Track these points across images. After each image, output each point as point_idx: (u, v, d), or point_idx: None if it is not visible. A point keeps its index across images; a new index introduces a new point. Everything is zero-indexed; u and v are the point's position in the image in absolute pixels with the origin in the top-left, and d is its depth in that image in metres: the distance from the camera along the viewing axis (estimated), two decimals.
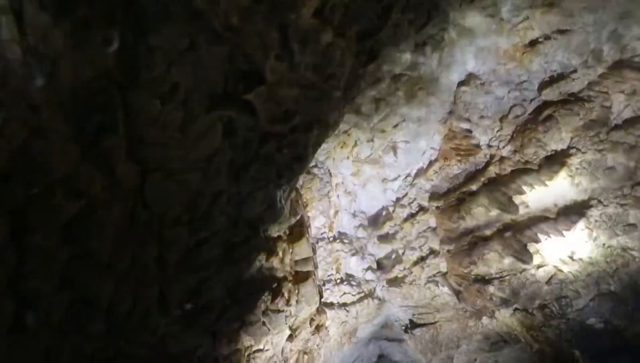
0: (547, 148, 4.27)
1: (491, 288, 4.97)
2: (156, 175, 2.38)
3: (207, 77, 2.03)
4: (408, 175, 5.93)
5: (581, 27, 3.40)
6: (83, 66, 1.48)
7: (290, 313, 4.93)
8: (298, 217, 5.38)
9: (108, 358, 2.43)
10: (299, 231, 5.41)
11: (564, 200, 4.46)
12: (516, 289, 4.77)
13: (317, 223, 6.33)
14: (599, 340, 4.70)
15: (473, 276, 5.20)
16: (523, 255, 4.55)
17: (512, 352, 5.67)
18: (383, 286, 6.51)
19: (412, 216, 6.07)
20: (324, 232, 6.59)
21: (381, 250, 6.58)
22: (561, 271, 4.83)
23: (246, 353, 4.52)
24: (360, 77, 3.22)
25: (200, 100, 2.10)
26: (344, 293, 6.36)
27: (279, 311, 4.73)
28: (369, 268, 6.58)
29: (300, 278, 5.07)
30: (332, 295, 6.27)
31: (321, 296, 6.07)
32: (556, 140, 4.17)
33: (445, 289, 5.79)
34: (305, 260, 5.19)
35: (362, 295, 6.49)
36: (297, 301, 5.00)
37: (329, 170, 5.71)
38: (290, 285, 4.92)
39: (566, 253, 4.76)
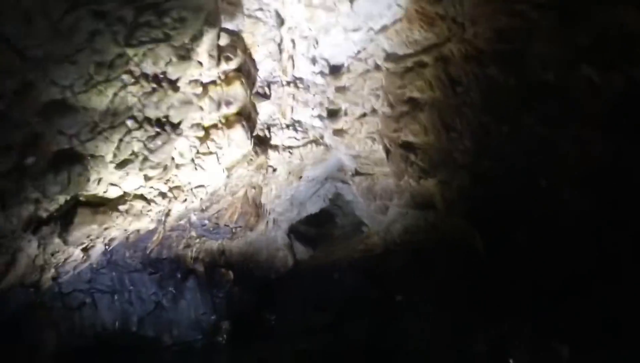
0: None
1: (413, 156, 5.95)
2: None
3: None
4: (370, 29, 5.92)
5: None
6: None
7: (223, 155, 6.06)
8: (233, 62, 5.72)
9: None
10: (234, 75, 5.87)
11: None
12: (436, 163, 5.70)
13: (265, 67, 6.65)
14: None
15: (401, 141, 6.09)
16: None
17: (436, 215, 7.22)
18: (330, 134, 7.51)
19: (367, 72, 6.41)
20: (277, 76, 6.98)
21: (334, 99, 7.20)
22: None
23: (186, 189, 5.85)
24: None
25: (59, 6, 2.46)
26: (289, 137, 7.42)
27: (209, 153, 5.84)
28: (319, 116, 7.40)
29: (230, 123, 5.93)
30: (277, 138, 7.34)
31: (266, 141, 7.19)
32: None
33: (381, 147, 6.82)
34: (237, 104, 5.89)
35: (308, 140, 7.63)
36: (228, 145, 6.05)
37: (277, 13, 5.62)
38: (219, 131, 5.84)
39: None
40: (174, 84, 4.73)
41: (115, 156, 4.35)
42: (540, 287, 5.00)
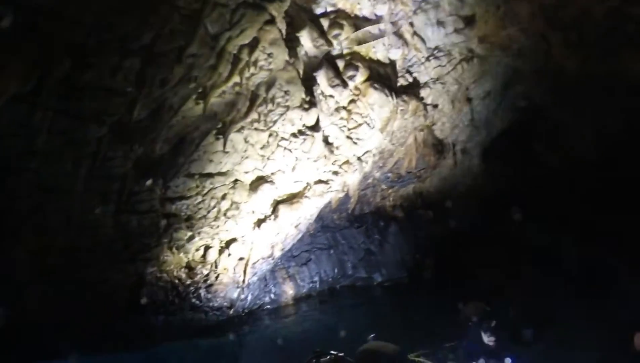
0: None
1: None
2: None
3: None
4: None
5: None
6: None
7: (370, 118, 7.23)
8: (342, 35, 6.69)
9: None
10: (350, 43, 6.81)
11: None
12: None
13: (382, 12, 6.99)
14: None
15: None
16: None
17: None
18: (477, 44, 7.00)
19: None
20: (398, 12, 7.11)
21: (464, 4, 6.63)
22: None
23: (354, 161, 7.40)
24: None
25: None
26: (435, 68, 7.51)
27: (359, 125, 7.15)
28: (455, 30, 7.00)
29: (364, 91, 6.95)
30: (422, 75, 7.59)
31: (411, 85, 7.60)
32: None
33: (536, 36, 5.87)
34: (362, 71, 6.80)
35: (456, 61, 7.43)
36: (372, 110, 7.12)
37: None
38: (358, 103, 6.99)
39: None
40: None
41: (286, 165, 6.60)
42: None
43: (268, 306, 6.72)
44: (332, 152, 7.31)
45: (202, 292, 5.50)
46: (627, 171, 6.71)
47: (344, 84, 7.03)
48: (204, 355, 4.88)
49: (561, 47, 5.58)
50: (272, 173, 6.54)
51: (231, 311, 5.94)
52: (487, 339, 3.75)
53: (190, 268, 5.28)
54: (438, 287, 7.65)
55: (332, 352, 2.59)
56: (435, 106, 8.36)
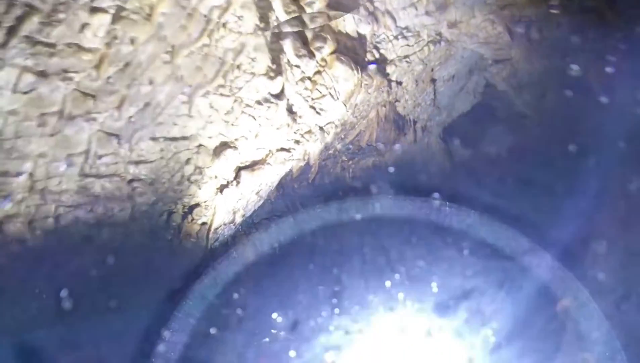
0: None
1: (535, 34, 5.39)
2: None
3: None
4: None
5: None
6: None
7: (334, 90, 7.45)
8: (316, 4, 6.63)
9: None
10: (320, 14, 6.82)
11: None
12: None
13: None
14: None
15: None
16: None
17: None
18: (446, 28, 7.37)
19: None
20: None
21: None
22: None
23: (316, 130, 7.67)
24: None
25: None
26: (402, 47, 7.80)
27: (323, 96, 7.35)
28: (426, 12, 7.29)
29: (329, 63, 7.12)
30: (389, 52, 7.87)
31: (376, 61, 7.87)
32: None
33: (501, 28, 6.35)
34: (329, 44, 6.93)
35: (424, 43, 7.77)
36: (336, 82, 7.33)
37: None
38: (323, 74, 7.15)
39: None
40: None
41: (250, 132, 6.71)
42: None
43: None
44: (295, 121, 7.50)
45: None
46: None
47: (311, 55, 7.15)
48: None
49: (523, 41, 6.11)
50: (236, 139, 6.66)
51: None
52: None
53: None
54: None
55: None
56: (399, 84, 8.78)
